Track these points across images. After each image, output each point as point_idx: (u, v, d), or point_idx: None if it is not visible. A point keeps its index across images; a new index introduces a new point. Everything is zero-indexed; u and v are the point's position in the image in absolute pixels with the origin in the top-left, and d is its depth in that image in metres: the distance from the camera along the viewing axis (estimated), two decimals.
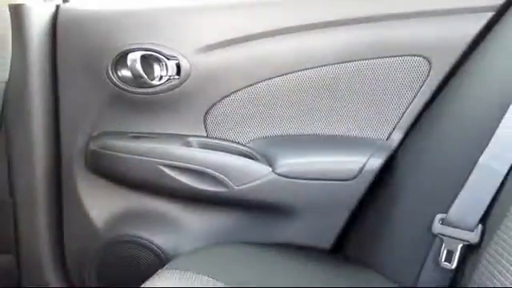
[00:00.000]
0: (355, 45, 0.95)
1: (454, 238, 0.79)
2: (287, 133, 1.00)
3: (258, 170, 0.96)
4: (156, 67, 0.99)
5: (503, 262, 0.67)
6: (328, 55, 0.96)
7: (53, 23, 1.00)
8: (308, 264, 0.92)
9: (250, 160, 0.98)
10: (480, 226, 0.76)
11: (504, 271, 0.66)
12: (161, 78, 0.99)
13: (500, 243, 0.69)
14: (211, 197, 0.98)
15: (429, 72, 0.94)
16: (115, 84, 1.00)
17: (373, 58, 0.95)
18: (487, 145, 0.79)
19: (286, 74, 0.97)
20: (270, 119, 1.00)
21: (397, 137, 0.97)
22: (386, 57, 0.95)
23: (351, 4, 0.96)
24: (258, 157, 0.99)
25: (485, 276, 0.69)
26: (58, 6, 1.01)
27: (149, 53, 0.97)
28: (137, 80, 0.98)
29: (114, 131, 1.04)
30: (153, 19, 0.99)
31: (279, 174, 0.95)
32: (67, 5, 1.02)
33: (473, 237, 0.76)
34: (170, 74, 0.98)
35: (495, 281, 0.66)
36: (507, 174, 0.75)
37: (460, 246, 0.78)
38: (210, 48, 0.98)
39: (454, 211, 0.79)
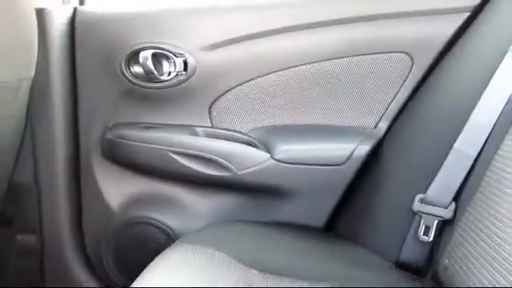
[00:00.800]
0: (345, 43, 1.04)
1: (431, 214, 0.88)
2: (284, 123, 1.09)
3: (258, 157, 1.05)
4: (165, 64, 1.07)
5: (472, 234, 0.76)
6: (320, 53, 1.05)
7: (71, 24, 1.09)
8: (303, 241, 1.01)
9: (251, 147, 1.07)
10: (453, 203, 0.86)
11: (472, 242, 0.74)
12: (169, 73, 1.07)
13: (470, 218, 0.78)
14: (216, 181, 1.07)
15: (411, 67, 1.03)
16: (128, 79, 1.08)
17: (361, 55, 1.04)
18: (460, 132, 0.88)
19: (283, 69, 1.06)
20: (269, 110, 1.09)
21: (383, 126, 1.06)
22: (373, 53, 1.04)
23: (341, 6, 1.04)
24: (258, 144, 1.07)
25: (457, 247, 0.79)
26: (75, 9, 1.09)
27: (159, 51, 1.06)
28: (148, 76, 1.07)
29: (128, 122, 1.12)
30: (162, 20, 1.07)
31: (277, 160, 1.04)
32: (84, 7, 1.11)
33: (447, 213, 0.86)
34: (177, 70, 1.06)
35: (465, 251, 0.76)
36: (476, 158, 0.84)
37: (436, 221, 0.87)
38: (214, 46, 1.06)
39: (432, 191, 0.88)
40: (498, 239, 0.67)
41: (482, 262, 0.69)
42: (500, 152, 0.77)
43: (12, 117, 0.98)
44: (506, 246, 0.65)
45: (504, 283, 0.63)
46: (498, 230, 0.68)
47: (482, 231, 0.72)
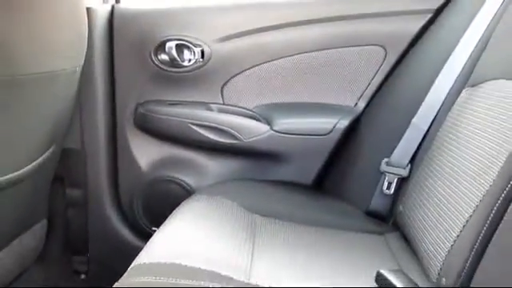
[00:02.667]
0: (331, 37, 1.22)
1: (393, 173, 1.08)
2: (282, 101, 1.27)
3: (260, 128, 1.24)
4: (186, 53, 1.24)
5: (420, 188, 0.95)
6: (311, 45, 1.22)
7: (110, 19, 1.25)
8: (294, 195, 1.19)
9: (255, 120, 1.25)
10: (409, 165, 1.06)
11: (419, 194, 0.93)
12: (189, 60, 1.24)
13: (420, 176, 0.98)
14: (226, 147, 1.25)
15: (385, 57, 1.22)
16: (156, 65, 1.25)
17: (344, 47, 1.22)
18: (418, 109, 1.07)
19: (281, 58, 1.24)
20: (269, 91, 1.26)
21: (361, 104, 1.24)
22: (354, 46, 1.22)
23: (327, 6, 1.22)
24: (261, 118, 1.26)
25: (408, 198, 0.98)
26: (113, 6, 1.26)
27: (181, 42, 1.23)
28: (172, 62, 1.24)
29: (155, 99, 1.29)
30: (184, 17, 1.24)
31: (275, 131, 1.23)
32: (120, 5, 1.27)
33: (404, 172, 1.06)
34: (196, 57, 1.23)
35: (414, 200, 0.95)
36: (427, 130, 1.04)
37: (396, 178, 1.07)
38: (226, 38, 1.24)
39: (394, 156, 1.08)
40: (438, 193, 0.86)
41: (426, 209, 0.88)
42: (443, 126, 0.98)
43: (68, 96, 1.12)
44: (445, 196, 0.83)
45: (442, 223, 0.79)
46: (439, 186, 0.86)
47: (427, 186, 0.92)
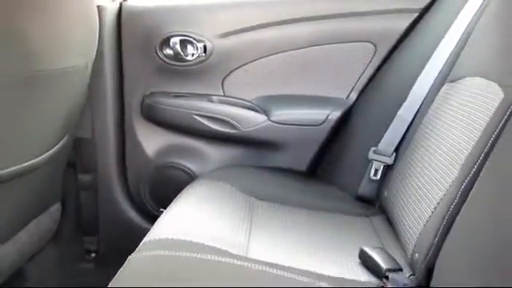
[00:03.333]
0: (324, 33, 1.30)
1: (379, 161, 1.17)
2: (278, 93, 1.35)
3: (258, 118, 1.32)
4: (189, 47, 1.31)
5: (403, 174, 1.03)
6: (306, 41, 1.30)
7: (118, 17, 1.32)
8: (289, 180, 1.28)
9: (253, 111, 1.33)
10: (394, 153, 1.15)
11: (403, 180, 1.02)
12: (193, 55, 1.32)
13: (403, 164, 1.06)
14: (226, 135, 1.33)
15: (374, 53, 1.30)
16: (161, 59, 1.32)
17: (336, 43, 1.30)
18: (404, 102, 1.15)
19: (277, 53, 1.32)
20: (267, 84, 1.34)
21: (353, 97, 1.32)
22: (345, 42, 1.30)
23: (321, 5, 1.29)
24: (259, 109, 1.33)
25: (392, 184, 1.07)
26: (121, 4, 1.33)
27: (185, 37, 1.31)
28: (176, 56, 1.31)
29: (161, 91, 1.36)
30: (188, 14, 1.32)
31: (272, 121, 1.31)
32: (127, 3, 1.34)
33: (390, 160, 1.14)
34: (199, 52, 1.31)
35: (397, 186, 1.03)
36: (411, 122, 1.13)
37: (382, 166, 1.16)
38: (227, 35, 1.31)
39: (381, 145, 1.17)
40: (417, 179, 0.94)
41: (406, 195, 0.97)
42: (425, 118, 1.06)
43: (81, 90, 1.19)
44: (422, 183, 0.92)
45: (419, 206, 0.88)
46: (418, 174, 0.95)
47: (408, 174, 1.00)
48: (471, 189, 0.72)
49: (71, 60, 1.07)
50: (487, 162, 0.73)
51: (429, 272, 0.75)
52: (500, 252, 0.59)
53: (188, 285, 0.70)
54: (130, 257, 0.78)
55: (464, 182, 0.74)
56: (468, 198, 0.72)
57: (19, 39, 0.87)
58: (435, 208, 0.80)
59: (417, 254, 0.80)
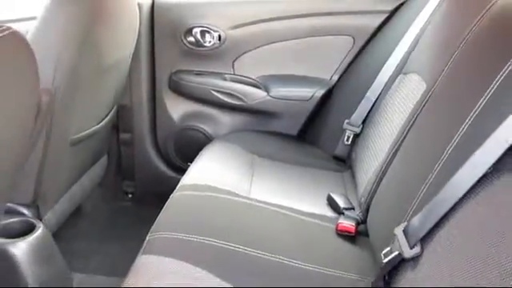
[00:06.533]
0: (315, 27, 1.58)
1: (350, 130, 1.46)
2: (276, 73, 1.64)
3: (260, 94, 1.63)
4: (207, 36, 1.61)
5: (365, 140, 1.37)
6: (300, 32, 1.59)
7: (151, 11, 1.61)
8: (283, 142, 1.60)
9: (257, 88, 1.63)
10: (361, 125, 1.45)
11: (365, 143, 1.35)
12: (210, 42, 1.61)
13: (366, 133, 1.39)
14: (235, 106, 1.64)
15: (353, 44, 1.59)
16: (185, 45, 1.62)
17: (323, 35, 1.59)
18: (375, 80, 1.44)
19: (277, 42, 1.61)
20: (268, 66, 1.63)
21: (335, 78, 1.62)
22: (331, 35, 1.59)
23: (312, 4, 1.57)
24: (261, 86, 1.64)
25: (358, 146, 1.40)
26: (153, 1, 1.61)
27: (204, 28, 1.60)
28: (197, 43, 1.61)
29: (184, 70, 1.66)
30: (207, 9, 1.60)
31: (271, 96, 1.62)
32: (159, 0, 1.64)
33: (358, 130, 1.44)
34: (215, 40, 1.61)
35: (361, 148, 1.37)
36: (375, 102, 1.44)
37: (352, 134, 1.46)
38: (237, 26, 1.60)
39: (352, 118, 1.46)
40: (373, 144, 1.26)
41: (364, 155, 1.30)
42: (383, 100, 1.38)
43: (126, 70, 1.49)
44: (374, 147, 1.27)
45: (369, 163, 1.22)
46: (374, 140, 1.27)
47: (368, 140, 1.32)
48: (398, 150, 1.04)
49: (123, 52, 1.40)
50: (410, 133, 1.04)
51: (368, 209, 1.11)
52: (415, 192, 0.84)
53: (213, 213, 1.06)
54: (172, 194, 1.14)
55: (395, 145, 1.06)
56: (396, 157, 1.04)
57: (94, 46, 1.19)
58: (377, 164, 1.14)
59: (362, 198, 1.15)
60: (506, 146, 0.66)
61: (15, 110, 0.79)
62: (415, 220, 0.77)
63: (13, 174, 0.85)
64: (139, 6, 1.53)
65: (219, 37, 1.61)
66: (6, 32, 0.68)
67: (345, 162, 1.50)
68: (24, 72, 0.78)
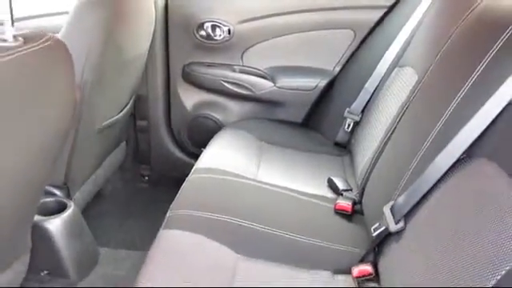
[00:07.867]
0: (317, 21, 1.68)
1: (351, 118, 1.57)
2: (282, 64, 1.74)
3: (267, 84, 1.73)
4: (218, 30, 1.71)
5: (364, 127, 1.49)
6: (303, 26, 1.68)
7: (166, 8, 1.71)
8: (289, 129, 1.70)
9: (264, 79, 1.74)
10: (361, 113, 1.56)
11: (363, 129, 1.48)
12: (220, 35, 1.71)
13: (365, 122, 1.51)
14: (244, 96, 1.75)
15: (354, 37, 1.68)
16: (197, 38, 1.72)
17: (326, 29, 1.69)
18: (374, 72, 1.54)
19: (283, 35, 1.71)
20: (274, 58, 1.73)
21: (336, 69, 1.73)
22: (333, 28, 1.69)
23: (316, 0, 1.67)
24: (268, 77, 1.74)
25: (357, 133, 1.52)
26: None
27: (214, 23, 1.70)
28: (208, 37, 1.71)
29: (197, 61, 1.76)
30: (217, 5, 1.70)
31: (277, 87, 1.73)
32: None
33: (357, 118, 1.55)
34: (225, 34, 1.71)
35: (360, 134, 1.49)
36: (373, 93, 1.54)
37: (352, 122, 1.57)
38: (245, 21, 1.70)
39: (353, 107, 1.56)
40: (371, 130, 1.37)
41: (363, 141, 1.41)
42: (380, 92, 1.49)
43: (143, 63, 1.60)
44: (372, 133, 1.38)
45: (366, 148, 1.34)
46: (372, 127, 1.38)
47: (366, 127, 1.44)
48: (391, 137, 1.16)
49: (140, 48, 1.52)
50: (401, 121, 1.16)
51: (363, 190, 1.22)
52: (402, 174, 0.96)
53: (226, 193, 1.18)
54: (188, 177, 1.26)
55: (388, 133, 1.18)
56: (388, 143, 1.16)
57: (116, 44, 1.30)
58: (372, 149, 1.26)
59: (359, 180, 1.27)
60: (479, 131, 0.77)
61: (56, 111, 0.90)
62: (400, 199, 0.89)
63: (52, 163, 0.98)
64: (155, 4, 1.64)
65: (229, 31, 1.71)
66: (51, 41, 0.79)
67: (345, 148, 1.60)
68: (64, 76, 0.88)
